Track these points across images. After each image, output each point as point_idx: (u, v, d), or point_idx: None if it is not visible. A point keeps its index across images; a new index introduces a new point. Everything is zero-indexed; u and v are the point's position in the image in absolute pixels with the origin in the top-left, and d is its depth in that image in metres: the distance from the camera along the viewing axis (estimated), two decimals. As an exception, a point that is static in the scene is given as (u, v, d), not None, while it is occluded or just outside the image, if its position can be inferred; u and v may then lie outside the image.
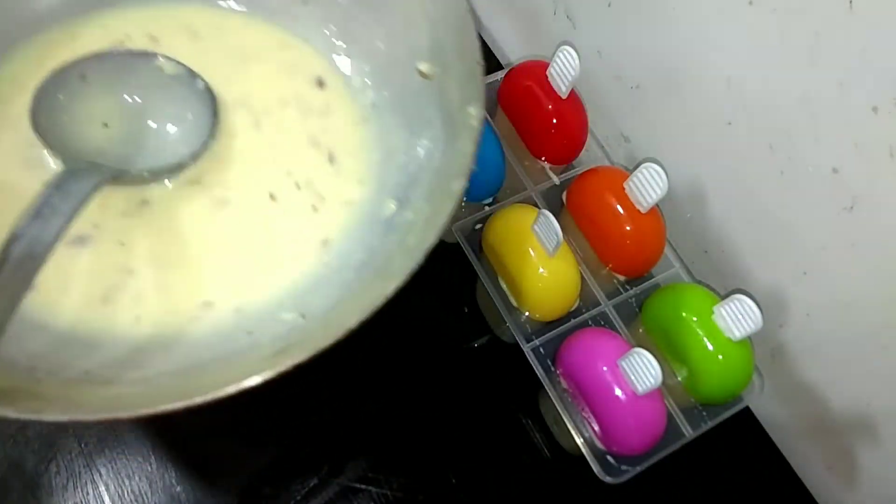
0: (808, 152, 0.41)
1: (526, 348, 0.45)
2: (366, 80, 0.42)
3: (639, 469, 0.42)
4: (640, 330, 0.46)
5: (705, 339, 0.41)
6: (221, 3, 0.43)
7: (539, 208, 0.47)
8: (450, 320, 0.54)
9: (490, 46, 0.67)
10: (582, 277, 0.46)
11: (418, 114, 0.39)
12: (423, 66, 0.39)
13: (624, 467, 0.42)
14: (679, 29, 0.46)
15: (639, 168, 0.43)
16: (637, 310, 0.47)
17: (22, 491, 0.44)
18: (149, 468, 0.46)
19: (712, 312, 0.42)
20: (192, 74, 0.39)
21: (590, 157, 0.52)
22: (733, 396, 0.44)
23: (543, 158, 0.50)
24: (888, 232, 0.39)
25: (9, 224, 0.30)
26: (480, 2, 0.68)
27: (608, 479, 0.42)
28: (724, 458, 0.52)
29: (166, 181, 0.38)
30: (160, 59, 0.39)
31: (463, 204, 0.49)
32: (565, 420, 0.43)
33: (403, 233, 0.35)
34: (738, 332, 0.41)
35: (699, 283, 0.47)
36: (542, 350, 0.45)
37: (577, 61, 0.45)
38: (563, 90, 0.47)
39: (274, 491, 0.46)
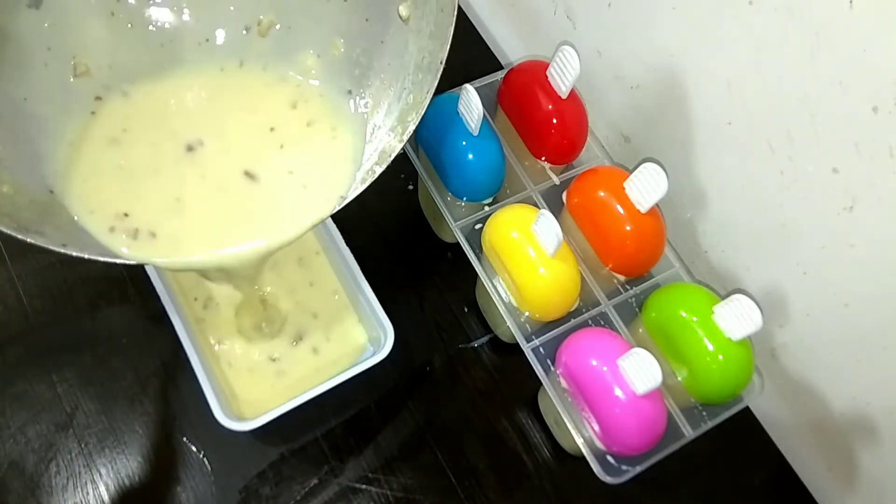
0: (808, 152, 0.41)
1: (526, 348, 0.45)
2: None
3: (639, 469, 0.42)
4: (640, 330, 0.46)
5: (705, 339, 0.41)
6: None
7: (539, 208, 0.47)
8: (450, 320, 0.54)
9: (490, 46, 0.67)
10: (582, 277, 0.46)
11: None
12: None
13: (624, 467, 0.42)
14: (679, 29, 0.46)
15: (639, 168, 0.43)
16: (637, 310, 0.47)
17: (22, 491, 0.44)
18: (149, 468, 0.46)
19: (712, 312, 0.42)
20: None
21: (590, 157, 0.52)
22: (733, 396, 0.44)
23: (543, 158, 0.50)
24: (888, 232, 0.39)
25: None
26: (481, 2, 0.68)
27: (608, 479, 0.42)
28: (724, 458, 0.52)
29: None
30: None
31: (463, 204, 0.49)
32: (565, 420, 0.43)
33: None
34: (738, 332, 0.41)
35: (699, 283, 0.47)
36: (542, 350, 0.45)
37: (577, 61, 0.45)
38: (563, 90, 0.47)
39: (274, 491, 0.46)
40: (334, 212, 0.38)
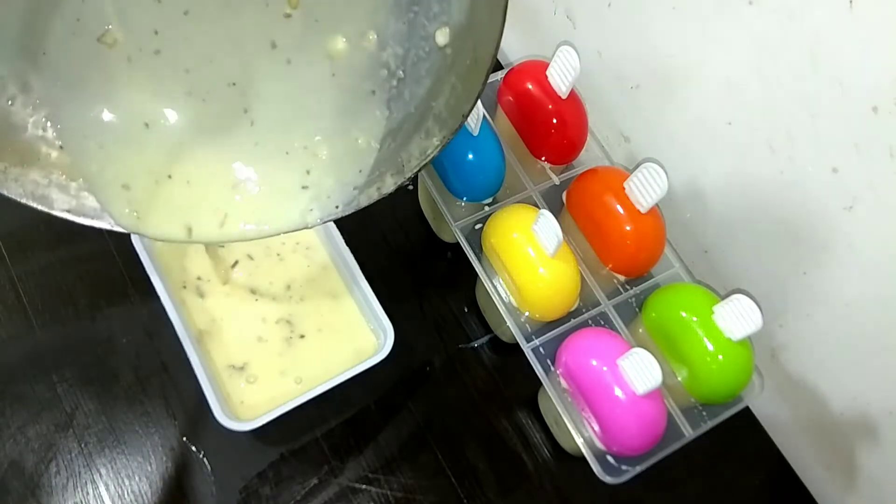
0: (808, 152, 0.41)
1: (526, 348, 0.45)
2: None
3: (639, 469, 0.42)
4: (640, 330, 0.46)
5: (705, 339, 0.41)
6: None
7: (539, 208, 0.47)
8: (450, 320, 0.54)
9: (490, 46, 0.67)
10: (582, 277, 0.46)
11: None
12: None
13: (624, 467, 0.42)
14: (679, 29, 0.46)
15: (639, 168, 0.43)
16: (637, 310, 0.47)
17: (22, 491, 0.44)
18: (149, 468, 0.46)
19: (712, 312, 0.42)
20: None
21: (590, 157, 0.52)
22: (733, 396, 0.44)
23: (543, 158, 0.50)
24: (888, 232, 0.39)
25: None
26: (480, 2, 0.68)
27: (608, 479, 0.42)
28: (724, 458, 0.52)
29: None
30: None
31: (463, 204, 0.49)
32: (565, 420, 0.43)
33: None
34: (738, 332, 0.41)
35: (699, 283, 0.47)
36: (542, 350, 0.45)
37: (577, 61, 0.45)
38: (563, 90, 0.47)
39: (274, 491, 0.46)
40: (329, 219, 0.38)
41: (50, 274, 0.50)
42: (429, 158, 0.36)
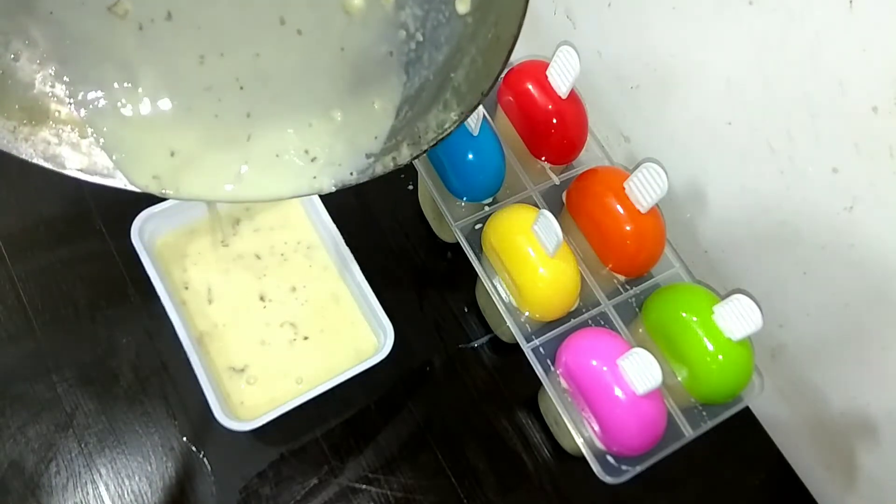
0: (808, 152, 0.41)
1: (526, 348, 0.45)
2: None
3: (639, 469, 0.42)
4: (640, 330, 0.46)
5: (705, 339, 0.41)
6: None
7: (539, 208, 0.47)
8: (450, 320, 0.54)
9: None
10: (582, 277, 0.46)
11: None
12: None
13: (624, 467, 0.42)
14: (679, 29, 0.46)
15: (639, 168, 0.43)
16: (637, 310, 0.47)
17: (22, 491, 0.44)
18: (149, 468, 0.46)
19: (712, 312, 0.42)
20: None
21: (590, 157, 0.52)
22: (733, 396, 0.44)
23: (543, 158, 0.50)
24: (888, 232, 0.39)
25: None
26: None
27: (608, 479, 0.42)
28: (724, 458, 0.52)
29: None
30: None
31: (463, 204, 0.49)
32: (565, 420, 0.43)
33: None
34: (738, 332, 0.41)
35: (699, 283, 0.47)
36: (542, 350, 0.45)
37: (577, 61, 0.45)
38: (563, 90, 0.47)
39: (274, 491, 0.46)
40: (345, 185, 0.38)
41: (50, 274, 0.50)
42: (446, 133, 0.36)
